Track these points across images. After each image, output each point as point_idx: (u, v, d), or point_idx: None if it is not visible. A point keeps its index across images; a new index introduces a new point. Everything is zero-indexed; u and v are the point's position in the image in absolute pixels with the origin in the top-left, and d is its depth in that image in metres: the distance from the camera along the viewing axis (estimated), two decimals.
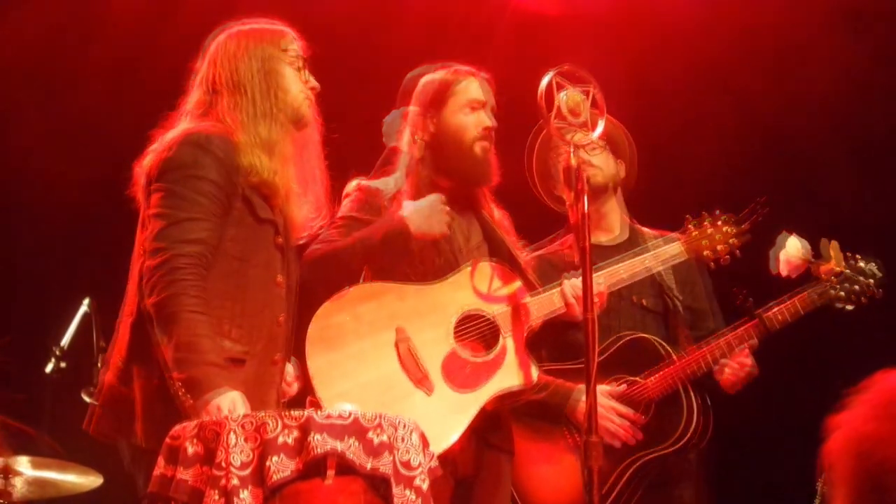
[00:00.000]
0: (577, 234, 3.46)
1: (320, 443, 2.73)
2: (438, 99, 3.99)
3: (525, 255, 4.11)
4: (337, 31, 5.43)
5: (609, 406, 4.08)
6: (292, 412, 2.81)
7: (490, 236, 4.04)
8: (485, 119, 3.97)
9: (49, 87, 5.33)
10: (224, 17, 3.58)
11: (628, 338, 4.23)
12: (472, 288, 3.89)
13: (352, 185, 4.01)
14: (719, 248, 4.10)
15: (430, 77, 4.05)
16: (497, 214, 4.09)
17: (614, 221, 4.47)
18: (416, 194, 3.91)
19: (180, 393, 3.07)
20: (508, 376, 3.82)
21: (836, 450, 1.94)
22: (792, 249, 4.10)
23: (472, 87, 4.00)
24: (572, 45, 5.28)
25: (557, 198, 4.48)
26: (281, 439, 2.75)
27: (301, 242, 3.69)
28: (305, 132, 3.52)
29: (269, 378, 3.37)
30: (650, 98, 5.57)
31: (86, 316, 4.66)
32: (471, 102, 3.98)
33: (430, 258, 3.89)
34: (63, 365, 4.64)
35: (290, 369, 3.57)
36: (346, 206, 3.96)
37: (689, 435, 4.06)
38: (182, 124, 3.41)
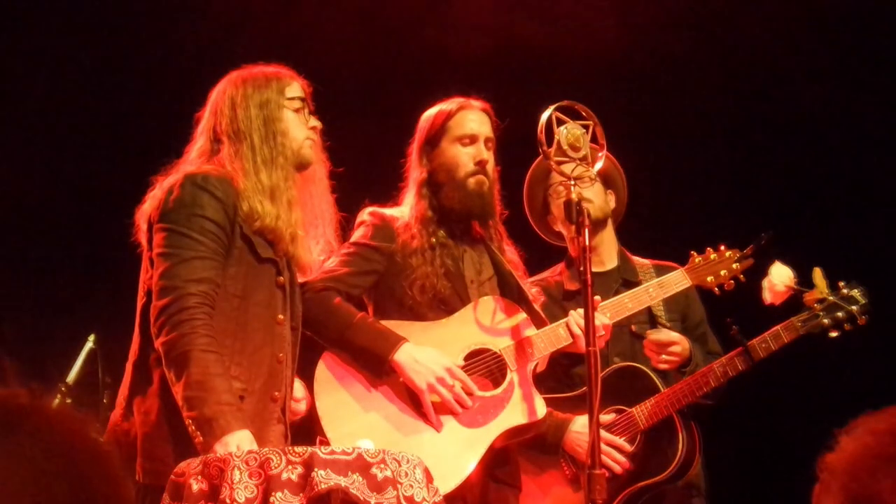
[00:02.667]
0: (578, 267, 3.45)
1: (324, 478, 2.75)
2: (433, 135, 4.03)
3: (534, 291, 4.12)
4: (343, 62, 5.49)
5: None
6: (296, 448, 2.83)
7: (499, 271, 4.06)
8: (480, 152, 3.99)
9: (54, 124, 5.36)
10: (227, 57, 3.63)
11: (617, 366, 4.22)
12: (478, 323, 3.90)
13: (364, 211, 4.04)
14: (722, 273, 4.14)
15: (429, 112, 4.09)
16: (510, 252, 4.10)
17: (606, 252, 4.46)
18: (426, 229, 3.95)
19: (191, 431, 3.10)
20: (515, 413, 3.83)
21: (826, 489, 1.96)
22: (775, 277, 4.10)
23: (466, 121, 4.02)
24: (573, 78, 5.32)
25: (554, 232, 4.50)
26: (285, 475, 2.76)
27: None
28: (310, 170, 3.57)
29: (269, 415, 3.40)
30: (649, 133, 5.62)
31: (91, 352, 4.68)
32: (463, 137, 4.00)
33: (440, 289, 3.91)
34: (69, 401, 4.66)
35: (297, 387, 3.61)
36: (358, 233, 3.99)
37: (678, 463, 4.05)
38: (182, 168, 3.47)
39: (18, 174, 5.17)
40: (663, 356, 4.15)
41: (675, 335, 4.17)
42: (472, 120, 4.02)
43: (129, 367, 3.37)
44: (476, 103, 4.06)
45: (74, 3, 5.24)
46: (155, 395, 3.23)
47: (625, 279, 4.35)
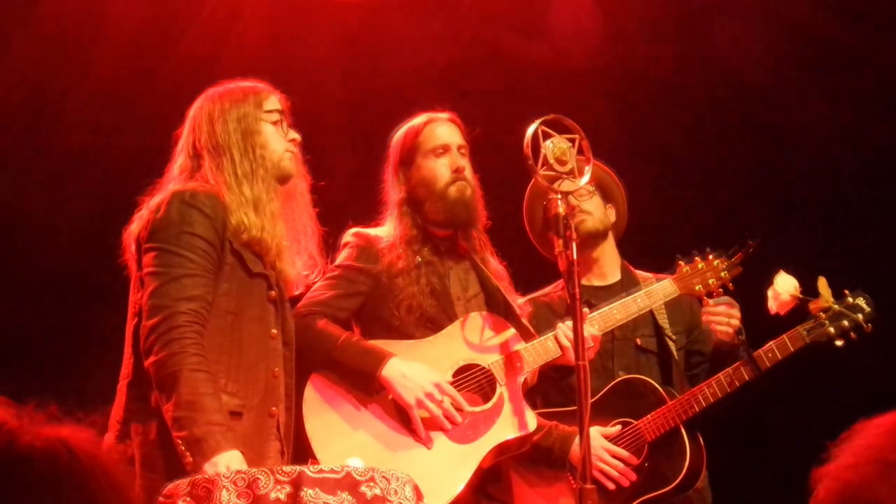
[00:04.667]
0: (566, 280, 3.47)
1: (313, 498, 2.76)
2: (406, 153, 4.04)
3: (521, 303, 4.13)
4: (323, 77, 5.51)
5: (602, 447, 4.06)
6: (284, 468, 2.84)
7: (486, 286, 4.06)
8: (455, 160, 4.00)
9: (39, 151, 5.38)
10: (206, 75, 3.66)
11: (622, 378, 4.23)
12: (466, 339, 3.91)
13: (349, 233, 4.05)
14: (711, 281, 4.14)
15: (398, 133, 4.10)
16: (494, 263, 4.10)
17: (608, 265, 4.46)
18: (410, 248, 3.95)
19: (180, 451, 3.11)
20: (506, 427, 3.82)
21: (822, 500, 1.95)
22: (780, 287, 4.11)
23: (436, 133, 4.03)
24: (562, 93, 5.33)
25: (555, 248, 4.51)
26: (273, 495, 2.76)
27: (297, 294, 3.74)
28: (291, 184, 3.59)
29: (267, 430, 3.41)
30: (641, 142, 5.64)
31: None
32: (436, 149, 4.01)
33: (427, 308, 3.92)
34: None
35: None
36: (343, 255, 3.99)
37: (685, 475, 4.05)
38: (168, 186, 3.48)
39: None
40: (728, 319, 4.16)
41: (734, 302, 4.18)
42: (442, 131, 4.04)
43: (122, 387, 3.36)
44: (442, 115, 4.08)
45: (49, 21, 5.26)
46: (152, 414, 3.23)
47: (628, 293, 4.30)
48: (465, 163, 4.02)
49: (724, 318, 4.16)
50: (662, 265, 4.39)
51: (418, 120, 4.06)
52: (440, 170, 3.99)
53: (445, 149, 4.00)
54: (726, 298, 4.17)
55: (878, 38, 5.48)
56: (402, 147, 4.04)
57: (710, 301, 4.17)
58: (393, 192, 4.07)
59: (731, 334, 4.16)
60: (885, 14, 5.46)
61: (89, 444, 1.70)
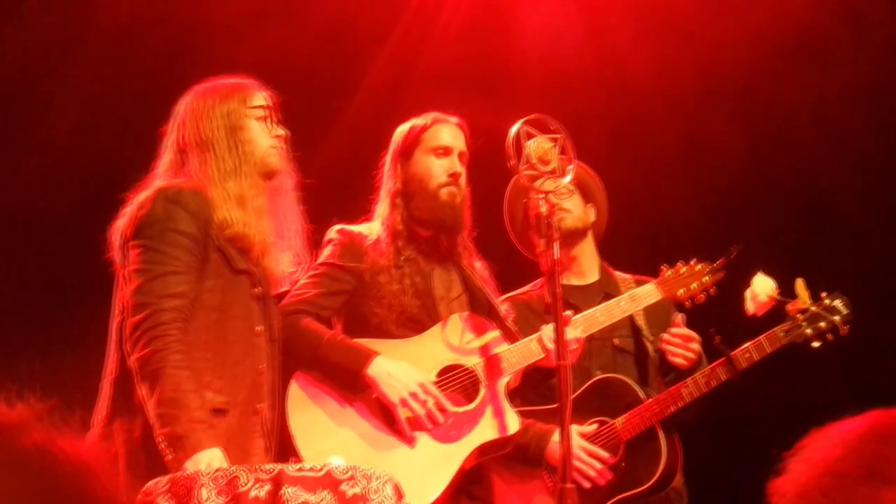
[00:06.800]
0: (548, 280, 3.50)
1: (293, 496, 2.77)
2: (407, 146, 4.05)
3: (504, 307, 4.14)
4: (314, 75, 5.51)
5: (578, 445, 4.06)
6: (264, 465, 2.85)
7: (469, 287, 4.08)
8: (453, 165, 4.01)
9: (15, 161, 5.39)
10: (194, 71, 3.66)
11: (599, 377, 4.24)
12: (449, 340, 3.92)
13: (332, 230, 4.05)
14: (693, 286, 4.18)
15: (403, 125, 4.11)
16: (478, 266, 4.12)
17: (586, 264, 4.48)
18: (395, 244, 3.97)
19: (161, 448, 3.13)
20: (488, 428, 3.84)
21: None
22: (758, 288, 4.13)
23: (441, 133, 4.05)
24: (547, 95, 5.35)
25: (535, 247, 4.48)
26: (253, 493, 2.77)
27: (282, 291, 3.75)
28: (277, 181, 3.59)
29: (252, 427, 3.42)
30: (625, 147, 5.65)
31: None
32: (437, 149, 4.02)
33: (409, 307, 3.93)
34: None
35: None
36: (326, 253, 3.99)
37: (661, 473, 4.06)
38: (154, 183, 3.49)
39: None
40: (685, 352, 4.17)
41: (694, 333, 4.19)
42: (447, 133, 4.06)
43: (107, 384, 3.38)
44: (452, 118, 4.10)
45: (36, 17, 5.27)
46: (137, 411, 3.24)
47: (606, 293, 4.36)
48: (462, 170, 4.04)
49: (681, 349, 4.18)
50: (646, 266, 4.41)
51: (427, 116, 4.08)
52: (436, 170, 4.01)
53: (447, 151, 4.02)
54: (684, 331, 4.18)
55: (868, 31, 5.50)
56: (406, 139, 4.06)
57: (670, 330, 4.19)
58: (388, 181, 4.08)
59: (685, 365, 4.18)
60: (875, 5, 5.48)
61: (79, 445, 1.71)
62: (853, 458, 1.93)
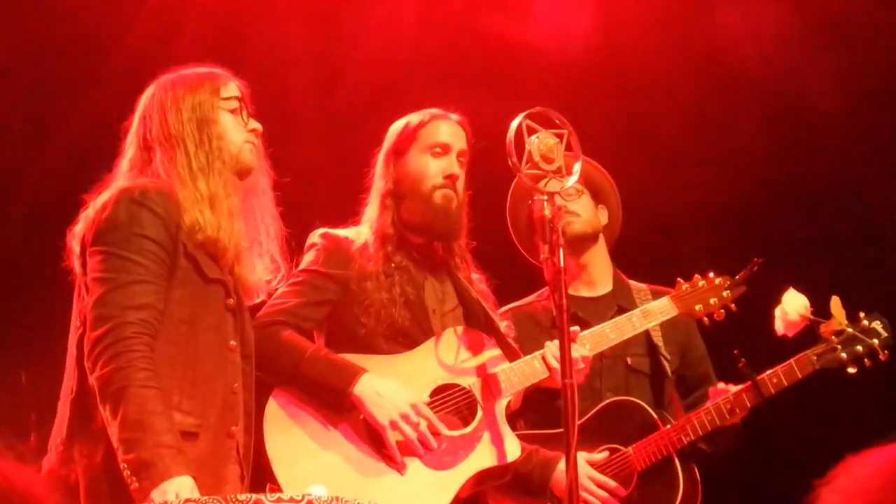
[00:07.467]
0: (553, 290, 3.36)
1: None
2: (401, 143, 3.90)
3: (504, 324, 4.03)
4: (289, 61, 5.44)
5: (586, 474, 3.95)
6: (239, 496, 2.74)
7: (465, 300, 3.93)
8: (451, 166, 3.85)
9: None
10: (159, 61, 3.52)
11: (612, 400, 4.14)
12: (444, 357, 3.79)
13: (315, 234, 3.91)
14: (712, 301, 4.05)
15: (399, 121, 3.96)
16: (475, 277, 3.98)
17: (597, 272, 4.36)
18: (384, 249, 3.81)
19: (125, 475, 2.98)
20: (485, 454, 3.70)
21: None
22: (789, 306, 4.02)
23: (439, 130, 3.88)
24: (555, 88, 5.26)
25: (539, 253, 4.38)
26: None
27: (257, 301, 3.60)
28: (251, 179, 3.45)
29: (226, 452, 3.28)
30: (637, 143, 5.55)
31: None
32: (434, 146, 3.86)
33: (399, 319, 3.77)
34: None
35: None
36: (308, 259, 3.85)
37: None
38: (116, 183, 3.33)
39: None
40: None
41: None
42: (446, 130, 3.89)
43: (65, 405, 3.23)
44: (453, 115, 3.94)
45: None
46: (99, 434, 3.09)
47: (620, 306, 4.24)
48: (460, 172, 3.88)
49: None
50: (661, 274, 4.30)
51: (425, 112, 3.93)
52: (431, 170, 3.85)
53: (445, 149, 3.86)
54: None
55: None
56: (400, 135, 3.91)
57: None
58: (379, 181, 3.94)
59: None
60: None
61: (23, 472, 1.70)
62: (891, 491, 1.89)
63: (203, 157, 3.29)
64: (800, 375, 4.01)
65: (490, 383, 3.76)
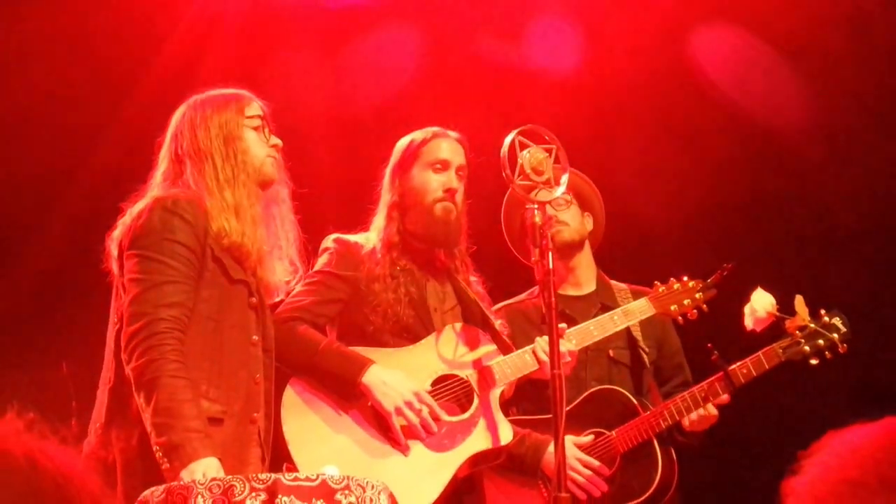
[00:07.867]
0: (542, 290, 3.52)
1: None
2: (406, 160, 4.07)
3: (499, 322, 4.15)
4: (309, 90, 5.52)
5: (574, 456, 4.09)
6: (259, 475, 2.87)
7: (463, 300, 4.10)
8: (450, 180, 4.03)
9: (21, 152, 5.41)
10: (188, 83, 3.70)
11: (596, 389, 4.27)
12: (444, 350, 3.94)
13: (328, 239, 4.07)
14: (686, 302, 4.20)
15: (404, 138, 4.13)
16: (473, 279, 4.13)
17: (584, 275, 4.52)
18: (390, 255, 3.99)
19: (158, 458, 3.14)
20: (481, 438, 3.85)
21: None
22: (757, 304, 4.15)
23: (439, 148, 4.06)
24: (545, 106, 5.36)
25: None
26: (248, 502, 2.78)
27: (277, 300, 3.77)
28: (272, 190, 3.62)
29: (249, 437, 3.44)
30: (616, 158, 5.65)
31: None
32: (434, 163, 4.04)
33: (403, 317, 3.95)
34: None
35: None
36: (322, 261, 4.01)
37: (655, 487, 4.08)
38: (151, 193, 3.51)
39: None
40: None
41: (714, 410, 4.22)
42: (446, 147, 4.07)
43: (104, 393, 3.39)
44: (452, 133, 4.12)
45: (31, 29, 5.28)
46: (134, 420, 3.25)
47: (603, 304, 4.38)
48: (459, 186, 4.05)
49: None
50: (639, 275, 4.44)
51: (427, 130, 4.10)
52: (432, 184, 4.02)
53: (444, 165, 4.04)
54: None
55: (871, 41, 5.49)
56: (405, 152, 4.08)
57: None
58: (386, 194, 4.10)
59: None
60: (876, 15, 5.48)
61: (65, 454, 1.73)
62: (870, 467, 1.89)
63: (229, 169, 3.47)
64: (767, 367, 4.13)
65: (485, 374, 3.92)
